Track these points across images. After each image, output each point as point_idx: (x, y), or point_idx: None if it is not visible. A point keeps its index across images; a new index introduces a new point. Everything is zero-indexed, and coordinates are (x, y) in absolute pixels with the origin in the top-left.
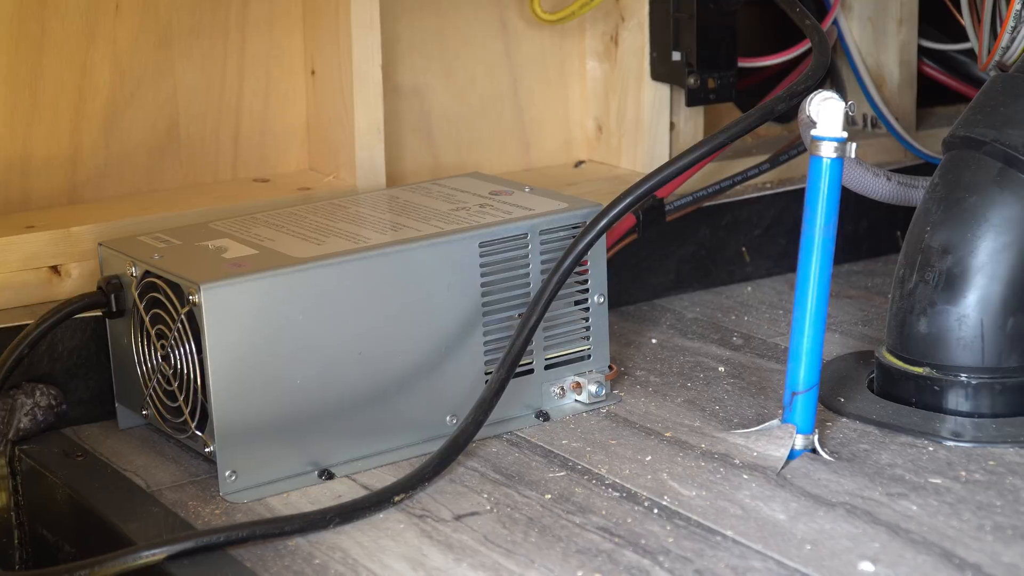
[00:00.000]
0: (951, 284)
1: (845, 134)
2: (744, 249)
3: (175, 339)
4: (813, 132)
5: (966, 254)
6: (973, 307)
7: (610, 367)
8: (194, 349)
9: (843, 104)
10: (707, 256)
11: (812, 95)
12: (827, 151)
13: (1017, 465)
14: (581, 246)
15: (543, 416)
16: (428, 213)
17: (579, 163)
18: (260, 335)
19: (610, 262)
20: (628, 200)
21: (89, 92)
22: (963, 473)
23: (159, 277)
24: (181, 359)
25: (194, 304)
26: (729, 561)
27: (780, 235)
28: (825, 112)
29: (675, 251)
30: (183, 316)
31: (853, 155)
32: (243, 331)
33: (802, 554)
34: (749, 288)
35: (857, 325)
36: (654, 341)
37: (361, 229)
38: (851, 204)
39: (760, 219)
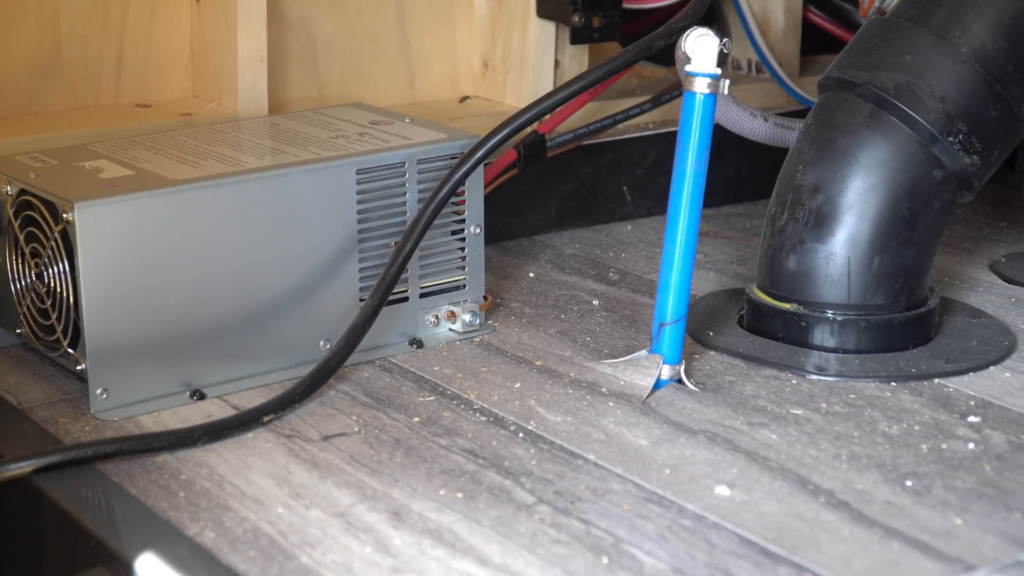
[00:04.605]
0: (820, 222)
1: (719, 70)
2: (625, 188)
3: (49, 257)
4: (687, 68)
5: (836, 193)
6: (841, 245)
7: (485, 298)
8: (67, 268)
9: (717, 40)
10: (588, 194)
11: (688, 32)
12: (700, 87)
13: (876, 399)
14: (458, 175)
15: (417, 343)
16: (307, 140)
17: (464, 98)
18: (134, 255)
19: (491, 197)
20: (505, 131)
21: None
22: (824, 405)
23: (34, 195)
24: (54, 277)
25: (68, 222)
26: (589, 483)
27: (662, 175)
28: (700, 48)
29: (556, 188)
30: (57, 234)
31: (726, 91)
32: (117, 250)
33: (661, 478)
34: (629, 227)
35: (732, 264)
36: (531, 275)
37: (239, 153)
38: (732, 147)
39: (642, 159)
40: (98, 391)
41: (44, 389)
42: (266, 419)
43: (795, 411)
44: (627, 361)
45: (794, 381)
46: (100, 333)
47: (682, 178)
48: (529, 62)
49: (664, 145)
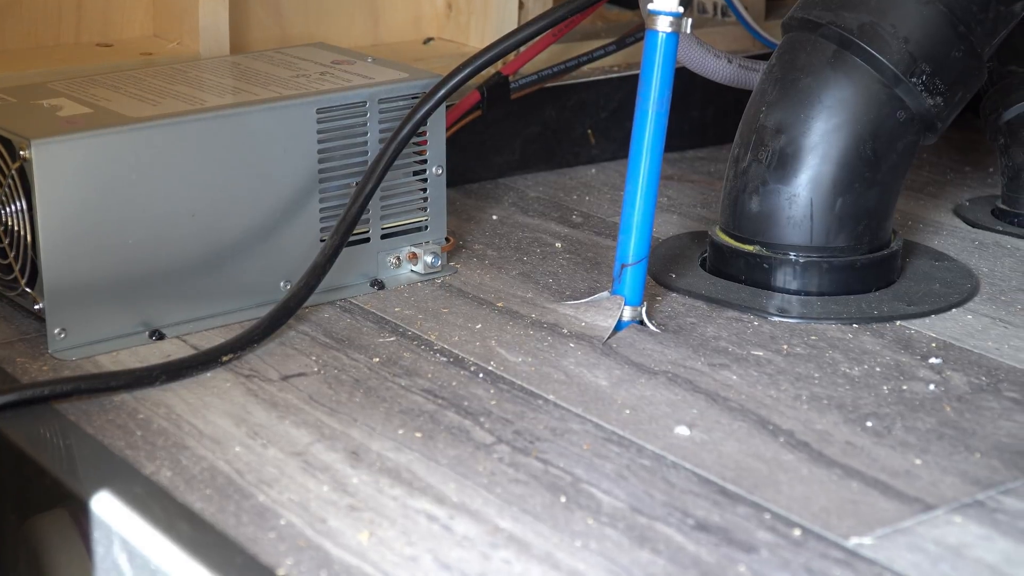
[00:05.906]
0: (783, 164)
1: (681, 9)
2: (590, 131)
3: (6, 195)
4: (649, 6)
5: (799, 134)
6: (804, 187)
7: (447, 239)
8: (25, 206)
9: None
10: (553, 137)
11: None
12: (662, 25)
13: (838, 340)
14: (420, 114)
15: (378, 285)
16: (268, 79)
17: (428, 40)
18: (92, 193)
19: (455, 140)
20: (467, 70)
21: None
22: (785, 346)
23: None
24: (12, 216)
25: (25, 160)
26: (548, 423)
27: (626, 118)
28: None
29: (521, 131)
30: (14, 172)
31: (688, 30)
32: (75, 188)
33: (621, 418)
34: (593, 170)
35: (696, 207)
36: (495, 217)
37: (199, 92)
38: (698, 90)
39: (607, 102)
40: (56, 331)
41: (1, 329)
42: (225, 359)
43: (756, 352)
44: (589, 302)
45: (756, 323)
46: (58, 272)
47: (644, 118)
48: (493, 3)
49: (629, 88)
